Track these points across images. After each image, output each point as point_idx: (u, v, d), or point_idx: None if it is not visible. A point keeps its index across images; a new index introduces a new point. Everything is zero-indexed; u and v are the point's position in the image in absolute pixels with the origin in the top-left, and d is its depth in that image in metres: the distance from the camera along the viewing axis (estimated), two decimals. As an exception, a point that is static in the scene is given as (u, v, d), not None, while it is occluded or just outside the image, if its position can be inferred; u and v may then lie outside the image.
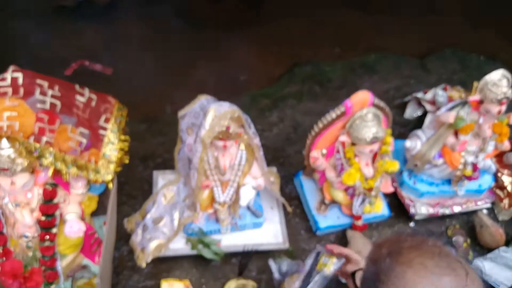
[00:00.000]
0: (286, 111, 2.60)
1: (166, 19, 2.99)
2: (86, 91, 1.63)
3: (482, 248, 2.10)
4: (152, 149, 2.31)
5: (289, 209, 2.02)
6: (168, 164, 2.18)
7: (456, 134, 1.96)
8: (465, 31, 3.26)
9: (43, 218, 1.59)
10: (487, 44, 3.15)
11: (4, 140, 1.40)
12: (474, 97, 1.88)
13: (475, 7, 3.37)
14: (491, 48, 3.12)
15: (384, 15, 3.22)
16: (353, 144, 1.82)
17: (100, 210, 1.88)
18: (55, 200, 1.60)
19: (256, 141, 1.76)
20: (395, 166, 1.87)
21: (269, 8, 3.22)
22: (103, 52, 2.67)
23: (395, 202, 2.18)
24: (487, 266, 1.94)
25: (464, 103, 1.92)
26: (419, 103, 2.60)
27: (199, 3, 3.20)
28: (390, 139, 1.86)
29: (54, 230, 1.63)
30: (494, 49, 3.10)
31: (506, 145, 2.01)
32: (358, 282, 1.22)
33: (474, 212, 2.19)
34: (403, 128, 2.51)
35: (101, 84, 2.23)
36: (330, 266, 1.35)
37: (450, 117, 1.89)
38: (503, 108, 1.84)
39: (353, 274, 1.29)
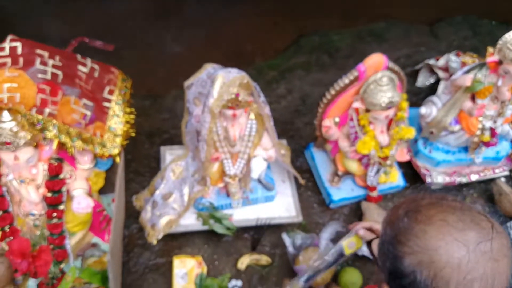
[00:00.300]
0: (294, 83, 2.53)
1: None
2: (88, 61, 1.57)
3: (502, 217, 2.04)
4: (158, 125, 2.25)
5: (302, 181, 1.96)
6: (175, 139, 2.13)
7: (473, 98, 1.89)
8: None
9: (49, 194, 1.55)
10: (499, 9, 3.05)
11: (6, 113, 1.35)
12: (492, 58, 1.80)
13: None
14: (503, 12, 3.01)
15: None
16: (367, 110, 1.75)
17: (107, 187, 1.83)
18: (61, 176, 1.55)
19: (267, 110, 1.70)
20: (411, 132, 1.80)
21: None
22: (105, 28, 2.60)
23: (410, 172, 2.12)
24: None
25: (481, 65, 1.85)
26: (431, 70, 2.53)
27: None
28: (406, 105, 1.79)
29: (62, 207, 1.58)
30: (506, 13, 2.99)
31: (525, 108, 1.94)
32: (375, 250, 1.17)
33: (492, 180, 2.13)
34: (415, 97, 2.44)
35: (103, 61, 2.18)
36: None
37: (467, 80, 1.82)
38: (524, 67, 1.76)
39: (369, 243, 1.24)
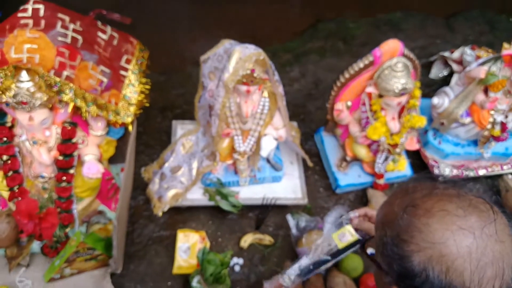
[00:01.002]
0: (308, 67, 2.53)
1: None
2: (108, 29, 1.57)
3: (507, 214, 2.04)
4: (172, 100, 2.26)
5: (310, 163, 1.97)
6: (187, 115, 2.14)
7: (486, 91, 1.89)
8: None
9: (60, 157, 1.56)
10: (518, 6, 3.04)
11: (24, 73, 1.36)
12: (508, 51, 1.80)
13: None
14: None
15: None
16: (380, 96, 1.76)
17: (117, 157, 1.85)
18: (74, 140, 1.56)
19: (280, 89, 1.70)
20: (422, 121, 1.80)
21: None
22: (123, 3, 2.60)
23: (418, 162, 2.13)
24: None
25: (496, 58, 1.84)
26: (445, 62, 2.52)
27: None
28: (419, 93, 1.79)
29: (72, 171, 1.60)
30: (525, 11, 2.98)
31: (539, 104, 1.94)
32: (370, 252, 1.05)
33: (499, 176, 2.14)
34: (428, 88, 2.43)
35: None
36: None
37: (481, 72, 1.81)
38: (540, 63, 1.76)
39: (362, 246, 1.13)
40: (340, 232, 1.21)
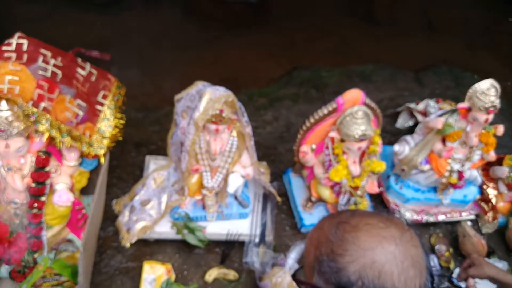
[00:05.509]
0: (281, 111, 2.65)
1: (171, 14, 3.07)
2: (88, 66, 1.68)
3: (464, 258, 2.11)
4: (147, 136, 2.35)
5: (278, 198, 2.04)
6: (161, 151, 2.22)
7: (443, 141, 2.01)
8: (462, 50, 3.34)
9: (33, 185, 1.63)
10: (483, 65, 3.23)
11: (4, 102, 1.45)
12: (463, 104, 1.93)
13: (474, 28, 3.46)
14: (486, 68, 3.18)
15: (385, 27, 3.31)
16: (342, 140, 1.86)
17: (90, 188, 1.90)
18: (47, 169, 1.63)
19: (248, 130, 1.80)
20: (381, 166, 1.90)
21: (273, 13, 3.31)
22: (105, 41, 2.74)
23: (380, 206, 2.21)
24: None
25: (453, 111, 1.97)
26: (411, 113, 2.66)
27: (207, 2, 3.28)
28: (379, 140, 1.90)
29: (43, 198, 1.66)
30: (488, 69, 3.14)
31: (491, 155, 2.06)
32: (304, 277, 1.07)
33: (458, 222, 2.22)
34: (394, 137, 2.55)
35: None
36: None
37: (439, 122, 1.94)
38: (490, 117, 1.89)
39: (294, 276, 1.12)
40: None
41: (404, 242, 0.87)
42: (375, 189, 2.00)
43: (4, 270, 1.70)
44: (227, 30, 3.10)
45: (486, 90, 1.85)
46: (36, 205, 1.65)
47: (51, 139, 1.59)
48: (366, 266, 0.85)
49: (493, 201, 2.26)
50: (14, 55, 1.49)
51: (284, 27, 3.25)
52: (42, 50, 1.55)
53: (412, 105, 2.62)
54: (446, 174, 2.06)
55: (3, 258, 1.65)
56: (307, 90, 2.82)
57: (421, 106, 2.57)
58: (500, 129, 2.01)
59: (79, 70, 1.64)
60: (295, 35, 3.23)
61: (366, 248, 0.86)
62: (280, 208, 2.15)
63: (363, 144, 1.84)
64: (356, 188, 1.93)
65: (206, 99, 1.66)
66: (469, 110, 1.93)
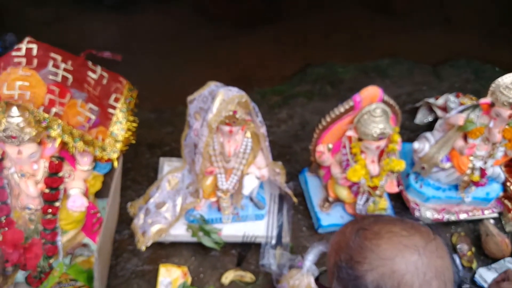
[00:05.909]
0: (295, 109, 2.61)
1: (184, 13, 3.05)
2: (98, 69, 1.66)
3: (487, 258, 2.07)
4: (160, 138, 2.33)
5: (295, 199, 2.01)
6: (175, 152, 2.19)
7: (465, 137, 1.95)
8: (480, 42, 3.25)
9: (47, 190, 1.61)
10: (504, 57, 3.13)
11: (15, 108, 1.43)
12: (485, 99, 1.87)
13: (491, 19, 3.37)
14: (506, 60, 3.09)
15: (401, 20, 3.23)
16: (359, 139, 1.81)
17: (104, 191, 1.89)
18: (60, 174, 1.62)
19: (263, 130, 1.77)
20: (401, 165, 1.85)
21: (286, 9, 3.25)
22: (117, 42, 2.72)
23: (400, 205, 2.16)
24: (491, 276, 1.91)
25: (475, 106, 1.91)
26: (430, 108, 2.59)
27: (217, 0, 3.25)
28: (398, 138, 1.84)
29: (57, 204, 1.65)
30: (508, 61, 3.06)
31: (516, 152, 1.99)
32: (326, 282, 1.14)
33: (480, 220, 2.16)
34: (413, 133, 2.49)
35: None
36: None
37: (460, 119, 1.88)
38: (515, 112, 1.82)
39: (317, 279, 1.23)
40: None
41: (429, 252, 0.83)
42: (394, 189, 1.95)
43: (21, 275, 1.70)
44: (238, 29, 3.06)
45: (510, 84, 1.77)
46: (50, 210, 1.64)
47: (64, 144, 1.57)
48: (385, 276, 0.83)
49: (517, 198, 2.19)
50: (24, 60, 1.47)
51: (295, 22, 3.20)
52: (52, 54, 1.52)
53: (431, 100, 2.56)
54: (468, 171, 1.99)
55: (19, 264, 1.64)
56: (322, 86, 2.77)
57: (440, 101, 2.50)
58: (525, 124, 1.94)
59: (90, 73, 1.62)
60: (307, 30, 3.17)
61: (385, 257, 0.84)
62: (297, 209, 2.11)
63: (382, 143, 1.79)
64: (374, 187, 1.88)
65: (219, 100, 1.62)
66: (491, 105, 1.86)
